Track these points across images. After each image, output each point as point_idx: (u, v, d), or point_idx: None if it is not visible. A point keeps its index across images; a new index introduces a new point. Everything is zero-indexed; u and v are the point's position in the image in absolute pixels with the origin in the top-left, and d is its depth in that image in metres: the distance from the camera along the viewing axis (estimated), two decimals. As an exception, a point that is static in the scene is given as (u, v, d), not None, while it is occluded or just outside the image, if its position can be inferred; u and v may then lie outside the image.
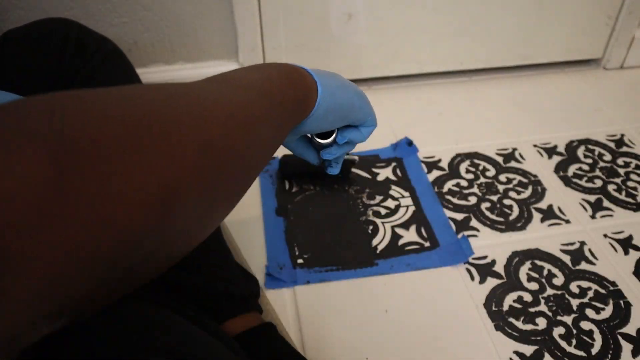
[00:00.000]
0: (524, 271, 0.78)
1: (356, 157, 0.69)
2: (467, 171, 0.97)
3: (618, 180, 0.95)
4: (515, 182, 0.94)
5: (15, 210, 0.17)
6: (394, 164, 0.98)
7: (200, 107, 0.27)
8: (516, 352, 0.68)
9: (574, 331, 0.70)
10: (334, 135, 0.49)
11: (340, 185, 0.93)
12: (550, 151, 1.02)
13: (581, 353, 0.68)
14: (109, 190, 0.20)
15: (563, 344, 0.69)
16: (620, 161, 1.00)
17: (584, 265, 0.79)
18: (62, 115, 0.20)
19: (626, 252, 0.81)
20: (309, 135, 0.50)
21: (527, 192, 0.92)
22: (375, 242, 0.82)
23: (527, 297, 0.74)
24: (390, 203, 0.90)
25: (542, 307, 0.73)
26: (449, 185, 0.94)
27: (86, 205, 0.19)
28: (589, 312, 0.72)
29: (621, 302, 0.74)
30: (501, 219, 0.87)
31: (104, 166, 0.20)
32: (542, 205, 0.90)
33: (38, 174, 0.18)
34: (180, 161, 0.24)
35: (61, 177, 0.19)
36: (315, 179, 0.93)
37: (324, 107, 0.41)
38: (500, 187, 0.93)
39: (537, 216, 0.87)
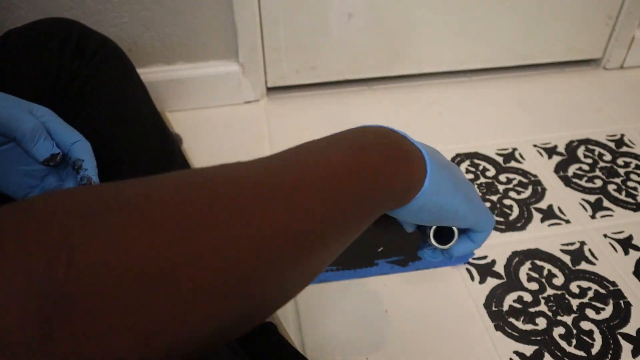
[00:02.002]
0: (524, 271, 0.78)
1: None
2: (467, 171, 0.97)
3: (618, 180, 0.95)
4: (515, 182, 0.94)
5: None
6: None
7: (260, 199, 0.22)
8: (516, 352, 0.68)
9: (574, 331, 0.70)
10: (453, 241, 0.41)
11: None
12: (550, 151, 1.02)
13: (581, 353, 0.68)
14: (100, 354, 0.17)
15: (563, 344, 0.69)
16: (620, 161, 1.00)
17: (584, 265, 0.79)
18: (68, 260, 0.16)
19: (626, 252, 0.81)
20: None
21: (527, 192, 0.92)
22: (375, 241, 0.82)
23: (527, 297, 0.74)
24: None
25: (542, 307, 0.73)
26: (449, 185, 0.93)
27: None
28: (589, 312, 0.72)
29: (621, 302, 0.74)
30: (501, 219, 0.87)
31: (101, 326, 0.17)
32: (542, 205, 0.90)
33: (19, 333, 0.15)
34: (211, 294, 0.19)
35: (44, 343, 0.15)
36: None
37: (421, 202, 0.33)
38: (500, 187, 0.93)
39: (537, 216, 0.87)
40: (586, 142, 1.05)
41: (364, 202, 0.28)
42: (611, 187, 0.94)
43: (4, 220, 0.17)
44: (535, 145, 1.04)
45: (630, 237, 0.84)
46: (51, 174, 0.48)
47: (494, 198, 0.91)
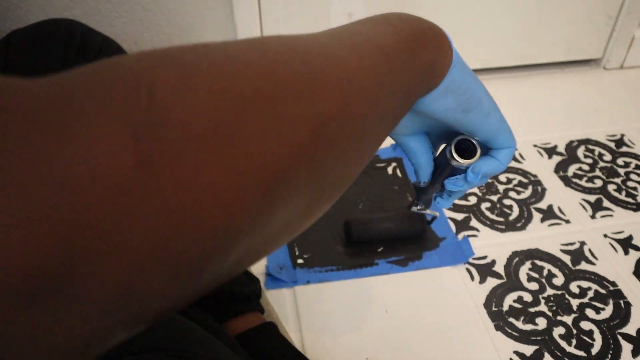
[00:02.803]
0: (524, 271, 0.78)
1: (437, 213, 0.58)
2: (467, 171, 0.97)
3: (618, 180, 0.95)
4: (515, 182, 0.94)
5: (90, 201, 0.15)
6: (394, 164, 0.98)
7: (313, 73, 0.22)
8: (516, 352, 0.68)
9: (574, 331, 0.70)
10: (476, 156, 0.38)
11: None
12: (550, 151, 1.02)
13: (581, 353, 0.68)
14: (199, 182, 0.17)
15: (563, 344, 0.69)
16: (620, 161, 1.00)
17: (584, 265, 0.79)
18: (150, 89, 0.17)
19: (626, 252, 0.81)
20: (437, 151, 0.40)
21: (527, 192, 0.92)
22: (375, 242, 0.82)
23: (527, 297, 0.74)
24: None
25: (542, 307, 0.73)
26: (449, 185, 0.94)
27: (171, 201, 0.16)
28: (589, 312, 0.73)
29: (621, 302, 0.74)
30: (501, 219, 0.87)
31: (196, 155, 0.17)
32: (542, 205, 0.90)
33: (119, 159, 0.15)
34: (289, 142, 0.20)
35: (143, 166, 0.16)
36: (385, 243, 0.82)
37: (449, 81, 0.32)
38: (500, 187, 0.93)
39: (537, 216, 0.87)
40: (586, 142, 1.05)
41: (408, 80, 0.29)
42: (611, 187, 0.94)
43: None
44: (535, 145, 1.04)
45: (630, 237, 0.84)
46: None
47: (494, 198, 0.91)
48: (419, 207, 0.46)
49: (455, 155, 0.38)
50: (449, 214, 0.88)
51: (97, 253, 0.15)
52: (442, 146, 0.41)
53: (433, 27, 0.32)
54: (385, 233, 0.81)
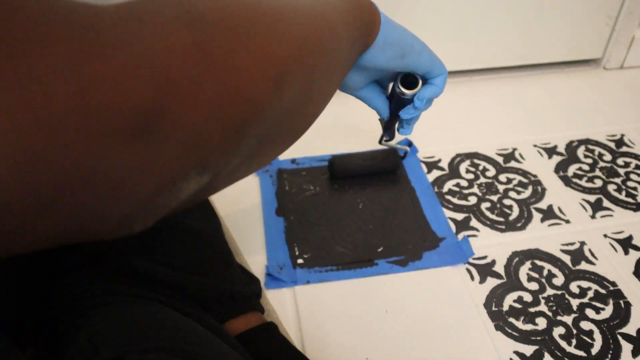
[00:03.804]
0: (524, 271, 0.78)
1: (407, 148, 0.70)
2: (467, 171, 0.97)
3: (618, 180, 0.96)
4: (515, 182, 0.94)
5: (164, 75, 0.20)
6: (394, 164, 0.98)
7: (295, 9, 0.30)
8: (516, 352, 0.68)
9: (574, 331, 0.70)
10: (418, 86, 0.47)
11: (340, 186, 0.93)
12: (550, 151, 1.02)
13: (581, 353, 0.68)
14: (236, 62, 0.24)
15: (563, 344, 0.69)
16: (620, 161, 1.00)
17: (584, 265, 0.79)
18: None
19: (626, 252, 0.81)
20: (384, 87, 0.50)
21: (527, 192, 0.92)
22: (375, 241, 0.82)
23: (527, 297, 0.74)
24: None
25: (542, 307, 0.73)
26: (449, 185, 0.94)
27: (218, 74, 0.23)
28: (589, 312, 0.73)
29: (621, 302, 0.74)
30: (501, 219, 0.87)
31: (231, 41, 0.24)
32: (542, 205, 0.90)
33: (179, 42, 0.21)
34: (287, 46, 0.27)
35: (197, 46, 0.22)
36: (367, 177, 0.93)
37: (384, 37, 0.41)
38: (500, 187, 0.93)
39: (537, 216, 0.87)
40: (586, 142, 1.05)
41: (346, 30, 0.35)
42: (611, 187, 0.94)
43: None
44: (535, 145, 1.04)
45: (630, 237, 0.84)
46: None
47: (494, 198, 0.91)
48: (385, 139, 0.57)
49: (402, 89, 0.47)
50: (449, 214, 0.88)
51: (178, 105, 0.21)
52: (391, 85, 0.51)
53: None
54: (364, 168, 0.93)
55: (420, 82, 0.47)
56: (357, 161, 0.93)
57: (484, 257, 0.80)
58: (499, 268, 0.78)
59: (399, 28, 0.44)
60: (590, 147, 1.04)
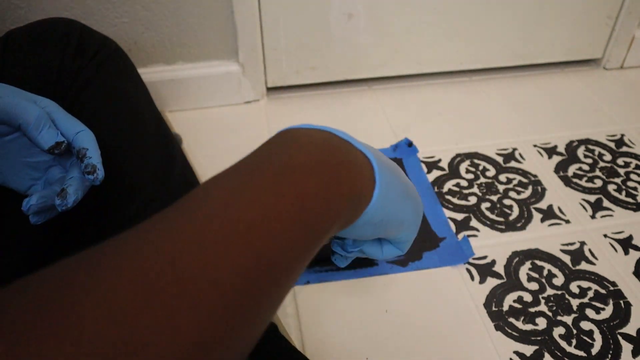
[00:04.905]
0: (524, 271, 0.78)
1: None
2: (467, 171, 0.97)
3: (618, 180, 0.95)
4: (515, 182, 0.94)
5: None
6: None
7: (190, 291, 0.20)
8: (516, 352, 0.68)
9: (574, 331, 0.70)
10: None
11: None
12: (550, 151, 1.02)
13: (581, 353, 0.68)
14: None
15: (563, 344, 0.69)
16: (620, 161, 1.00)
17: (584, 265, 0.79)
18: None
19: (626, 252, 0.81)
20: None
21: (527, 192, 0.92)
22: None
23: (527, 297, 0.74)
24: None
25: (542, 307, 0.73)
26: (449, 185, 0.94)
27: None
28: (589, 312, 0.72)
29: (621, 302, 0.74)
30: (501, 219, 0.87)
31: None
32: (542, 205, 0.90)
33: None
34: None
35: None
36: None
37: (368, 218, 0.30)
38: (500, 187, 0.93)
39: (537, 216, 0.87)
40: (586, 142, 1.05)
41: (307, 245, 0.25)
42: (611, 187, 0.94)
43: None
44: (535, 145, 1.04)
45: (630, 237, 0.84)
46: (55, 165, 0.48)
47: (494, 198, 0.91)
48: (337, 261, 0.42)
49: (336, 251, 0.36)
50: (449, 214, 0.88)
51: None
52: None
53: (356, 160, 0.28)
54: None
55: None
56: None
57: (484, 257, 0.80)
58: (499, 268, 0.78)
59: (397, 201, 0.31)
60: (590, 147, 1.04)
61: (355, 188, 0.28)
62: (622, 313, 0.72)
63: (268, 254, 0.22)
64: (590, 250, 0.81)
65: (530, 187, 0.93)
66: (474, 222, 0.86)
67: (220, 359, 0.21)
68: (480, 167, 0.98)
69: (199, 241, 0.21)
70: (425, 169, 0.97)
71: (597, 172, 0.97)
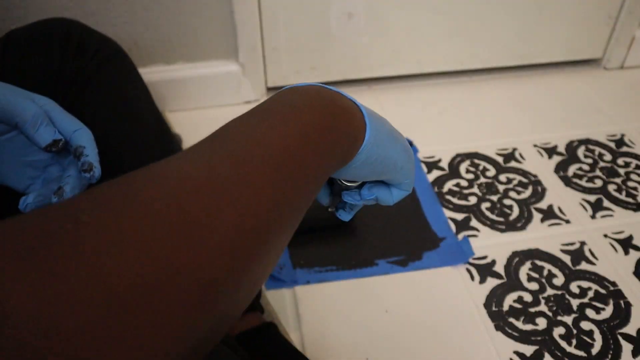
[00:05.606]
0: (524, 271, 0.78)
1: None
2: (467, 171, 0.97)
3: (618, 180, 0.95)
4: (515, 182, 0.94)
5: None
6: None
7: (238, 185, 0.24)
8: (516, 352, 0.68)
9: (574, 331, 0.70)
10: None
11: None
12: (550, 151, 1.02)
13: (581, 353, 0.68)
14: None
15: (563, 344, 0.69)
16: (620, 161, 1.00)
17: (584, 265, 0.79)
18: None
19: (626, 252, 0.81)
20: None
21: (527, 192, 0.92)
22: (375, 242, 0.82)
23: (527, 297, 0.74)
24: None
25: (542, 307, 0.73)
26: (449, 185, 0.94)
27: None
28: (589, 312, 0.72)
29: (621, 302, 0.74)
30: (501, 219, 0.87)
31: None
32: (542, 205, 0.90)
33: None
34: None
35: None
36: (322, 232, 0.84)
37: (364, 157, 0.33)
38: (500, 187, 0.93)
39: (537, 216, 0.87)
40: (586, 142, 1.05)
41: (314, 172, 0.28)
42: (611, 187, 0.94)
43: None
44: (535, 145, 1.04)
45: (630, 237, 0.84)
46: (53, 164, 0.48)
47: (494, 198, 0.91)
48: (342, 214, 0.45)
49: (346, 183, 0.40)
50: (449, 214, 0.88)
51: None
52: None
53: (348, 106, 0.33)
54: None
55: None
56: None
57: (484, 257, 0.80)
58: (499, 268, 0.78)
59: (387, 141, 0.35)
60: (591, 147, 1.04)
61: (351, 126, 0.32)
62: (622, 313, 0.72)
63: (285, 169, 0.26)
64: (590, 250, 0.81)
65: (530, 187, 0.93)
66: (474, 222, 0.86)
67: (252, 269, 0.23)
68: (481, 167, 0.98)
69: (232, 159, 0.25)
70: (425, 169, 0.97)
71: (597, 172, 0.97)
